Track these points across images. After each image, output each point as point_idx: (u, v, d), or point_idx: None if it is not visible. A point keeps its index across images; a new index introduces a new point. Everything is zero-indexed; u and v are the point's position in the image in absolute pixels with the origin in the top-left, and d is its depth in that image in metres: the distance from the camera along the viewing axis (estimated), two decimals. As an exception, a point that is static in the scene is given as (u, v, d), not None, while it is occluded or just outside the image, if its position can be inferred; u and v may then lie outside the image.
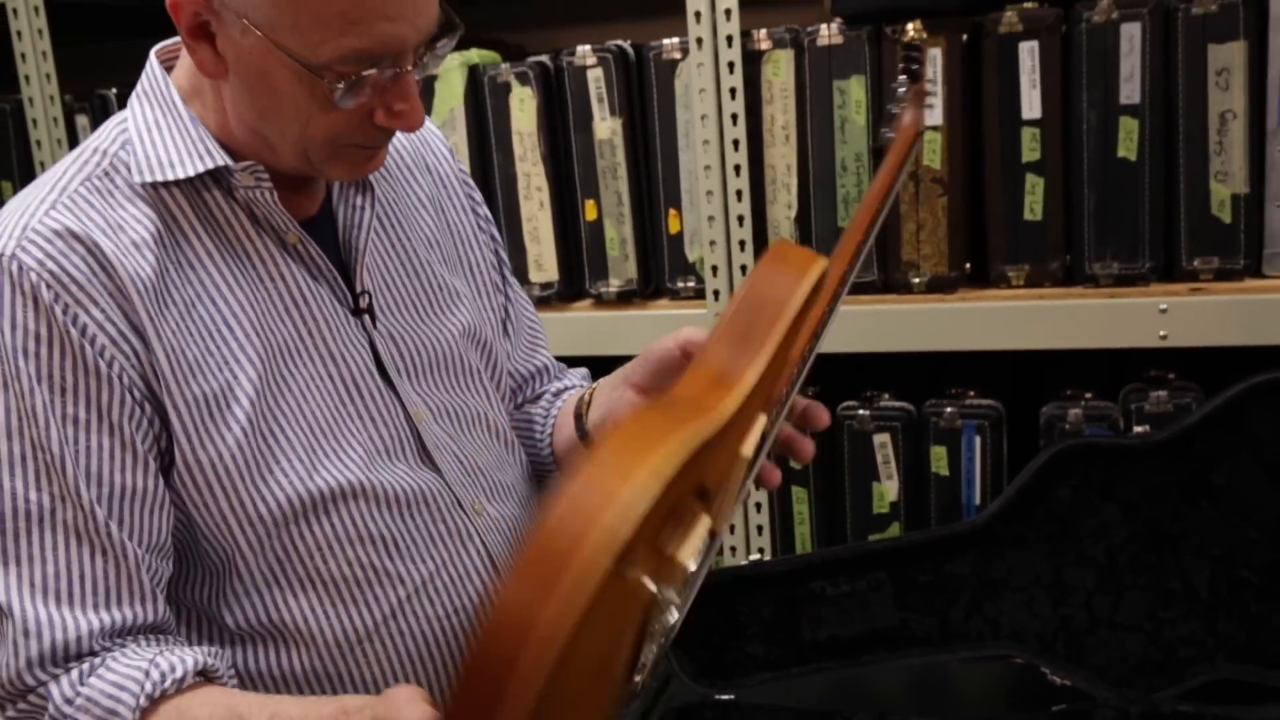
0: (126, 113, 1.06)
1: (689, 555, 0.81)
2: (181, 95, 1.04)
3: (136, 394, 0.98)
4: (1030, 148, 1.70)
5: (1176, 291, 1.65)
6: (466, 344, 1.21)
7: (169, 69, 1.08)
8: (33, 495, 0.96)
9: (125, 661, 0.97)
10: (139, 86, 1.07)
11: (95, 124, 2.16)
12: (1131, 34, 1.63)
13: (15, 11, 2.11)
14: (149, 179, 1.01)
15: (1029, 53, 1.68)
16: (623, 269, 1.90)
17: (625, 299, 1.92)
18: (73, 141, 2.16)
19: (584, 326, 1.90)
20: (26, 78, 2.15)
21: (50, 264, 0.95)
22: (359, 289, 1.11)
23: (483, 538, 1.16)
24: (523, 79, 1.87)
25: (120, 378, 0.97)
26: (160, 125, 1.03)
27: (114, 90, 2.17)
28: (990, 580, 1.63)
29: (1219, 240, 1.65)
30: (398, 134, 1.20)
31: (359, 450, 1.08)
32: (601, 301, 1.93)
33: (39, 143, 2.18)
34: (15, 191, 2.18)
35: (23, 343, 0.95)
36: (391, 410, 1.11)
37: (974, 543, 1.63)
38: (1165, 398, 1.69)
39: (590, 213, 1.90)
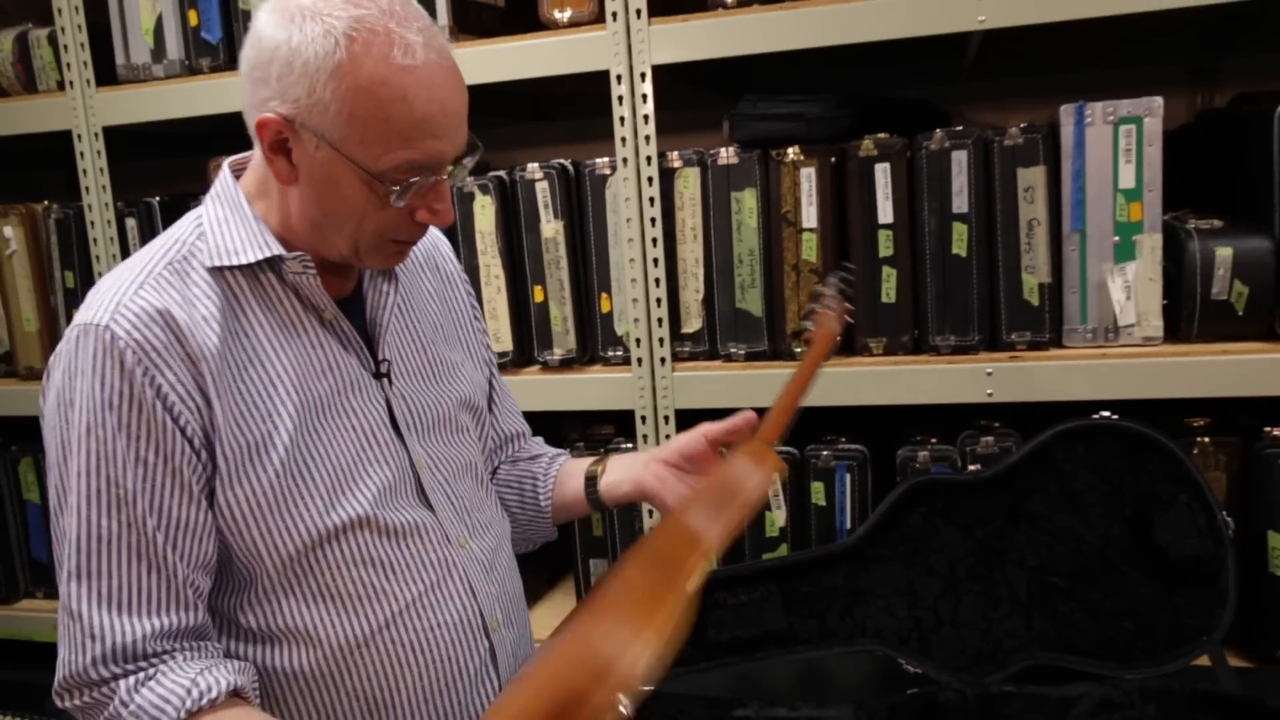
0: (201, 210, 1.08)
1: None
2: (247, 197, 1.07)
3: (196, 443, 0.99)
4: (885, 245, 1.73)
5: (999, 359, 1.68)
6: (461, 408, 1.22)
7: (238, 176, 1.11)
8: (104, 522, 0.97)
9: (172, 677, 0.98)
10: (213, 189, 1.09)
11: (142, 227, 2.17)
12: (960, 159, 1.67)
13: (80, 137, 2.13)
14: (217, 264, 1.03)
15: (883, 172, 1.71)
16: (565, 341, 1.91)
17: (566, 365, 1.91)
18: (123, 240, 2.17)
19: (534, 387, 1.89)
20: (87, 189, 2.16)
21: (136, 334, 0.97)
22: (380, 357, 1.13)
23: (464, 568, 1.16)
24: (484, 189, 1.88)
25: (184, 430, 0.98)
26: (229, 221, 1.05)
27: (157, 199, 2.17)
28: (858, 590, 1.64)
29: (1030, 319, 1.68)
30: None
31: (372, 490, 1.08)
32: (547, 367, 1.92)
33: (95, 240, 2.18)
34: (77, 281, 2.24)
35: (108, 398, 0.96)
36: (399, 458, 1.12)
37: (845, 560, 1.64)
38: (992, 442, 1.72)
39: (538, 296, 1.90)
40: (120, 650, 0.98)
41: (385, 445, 1.11)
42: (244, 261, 1.04)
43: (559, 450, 1.44)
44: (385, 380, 1.13)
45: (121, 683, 0.98)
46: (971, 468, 1.71)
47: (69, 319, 2.25)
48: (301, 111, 0.97)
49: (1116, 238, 1.64)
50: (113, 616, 0.98)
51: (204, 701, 0.97)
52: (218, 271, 1.04)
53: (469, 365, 1.27)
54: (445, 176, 1.03)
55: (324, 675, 1.08)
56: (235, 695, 1.00)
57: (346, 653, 1.08)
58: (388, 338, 1.14)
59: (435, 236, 1.32)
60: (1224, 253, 1.60)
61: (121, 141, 2.18)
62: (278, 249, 1.05)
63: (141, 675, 0.98)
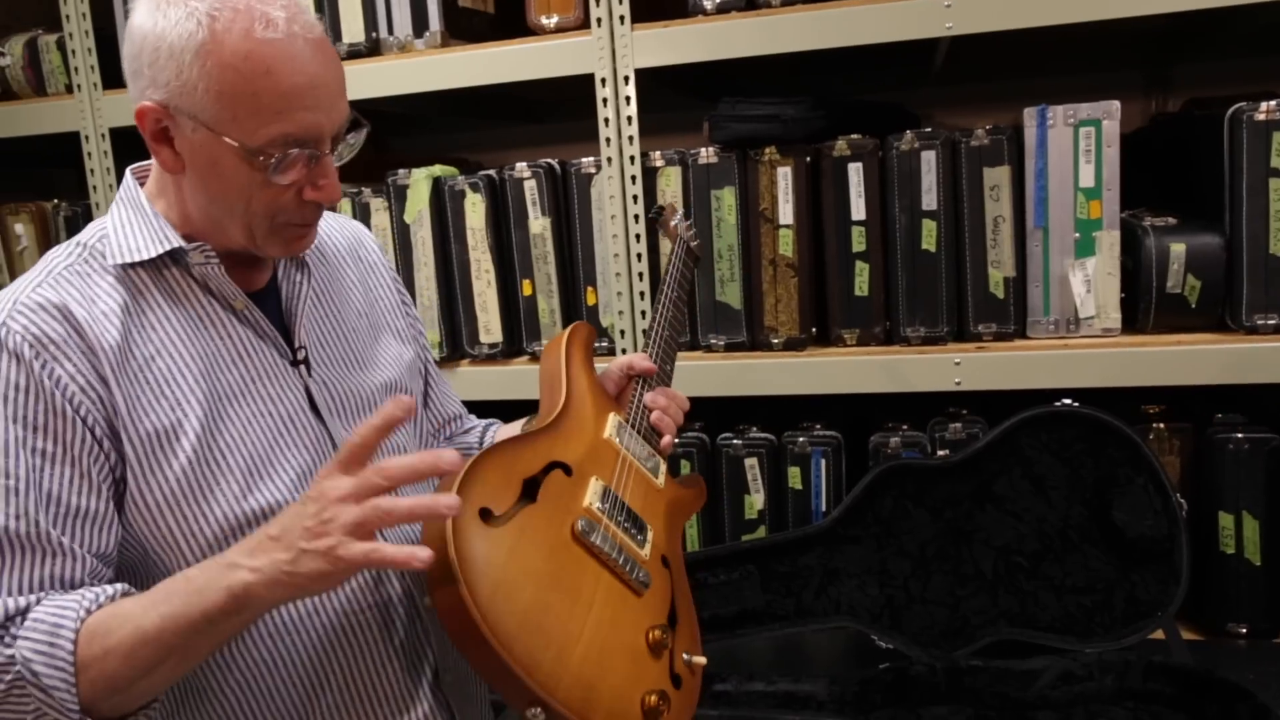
0: (107, 216, 1.05)
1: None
2: (148, 197, 1.03)
3: (98, 432, 0.93)
4: (858, 241, 1.72)
5: (966, 349, 1.67)
6: (386, 393, 1.15)
7: (142, 182, 1.07)
8: None
9: (59, 598, 0.90)
10: (117, 195, 1.05)
11: None
12: (929, 158, 1.66)
13: (87, 137, 2.10)
14: (120, 261, 0.99)
15: (856, 171, 1.70)
16: (552, 332, 1.88)
17: (540, 364, 1.88)
18: None
19: (522, 377, 1.87)
20: (94, 187, 2.14)
21: (33, 329, 0.92)
22: (297, 344, 1.07)
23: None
24: (475, 188, 1.86)
25: (85, 419, 0.93)
26: (131, 222, 1.01)
27: None
28: (833, 569, 1.64)
29: (996, 311, 1.67)
30: (335, 230, 1.20)
31: (291, 474, 1.02)
32: (535, 358, 1.90)
33: None
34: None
35: (3, 391, 0.91)
36: (321, 441, 1.06)
37: (820, 541, 1.64)
38: (960, 428, 1.71)
39: (527, 289, 1.89)
40: (3, 617, 0.90)
41: (305, 429, 1.05)
42: (146, 257, 0.99)
43: (491, 420, 1.40)
44: (304, 366, 1.07)
45: (4, 631, 0.89)
46: (940, 453, 1.69)
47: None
48: (174, 95, 0.93)
49: (1077, 234, 1.63)
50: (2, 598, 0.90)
51: (103, 599, 0.90)
52: (121, 270, 1.00)
53: (397, 350, 1.21)
54: (327, 152, 0.98)
55: (262, 661, 1.01)
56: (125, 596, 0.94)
57: (279, 637, 1.01)
58: (304, 324, 1.09)
59: (357, 229, 1.27)
60: (1178, 248, 1.59)
61: (128, 142, 2.13)
62: (178, 241, 1.00)
63: (20, 617, 0.90)
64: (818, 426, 1.81)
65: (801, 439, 1.79)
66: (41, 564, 0.91)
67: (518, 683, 0.88)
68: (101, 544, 0.95)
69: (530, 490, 1.03)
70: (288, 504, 0.97)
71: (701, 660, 1.08)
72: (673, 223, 1.50)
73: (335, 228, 1.22)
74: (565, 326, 1.87)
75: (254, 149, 0.94)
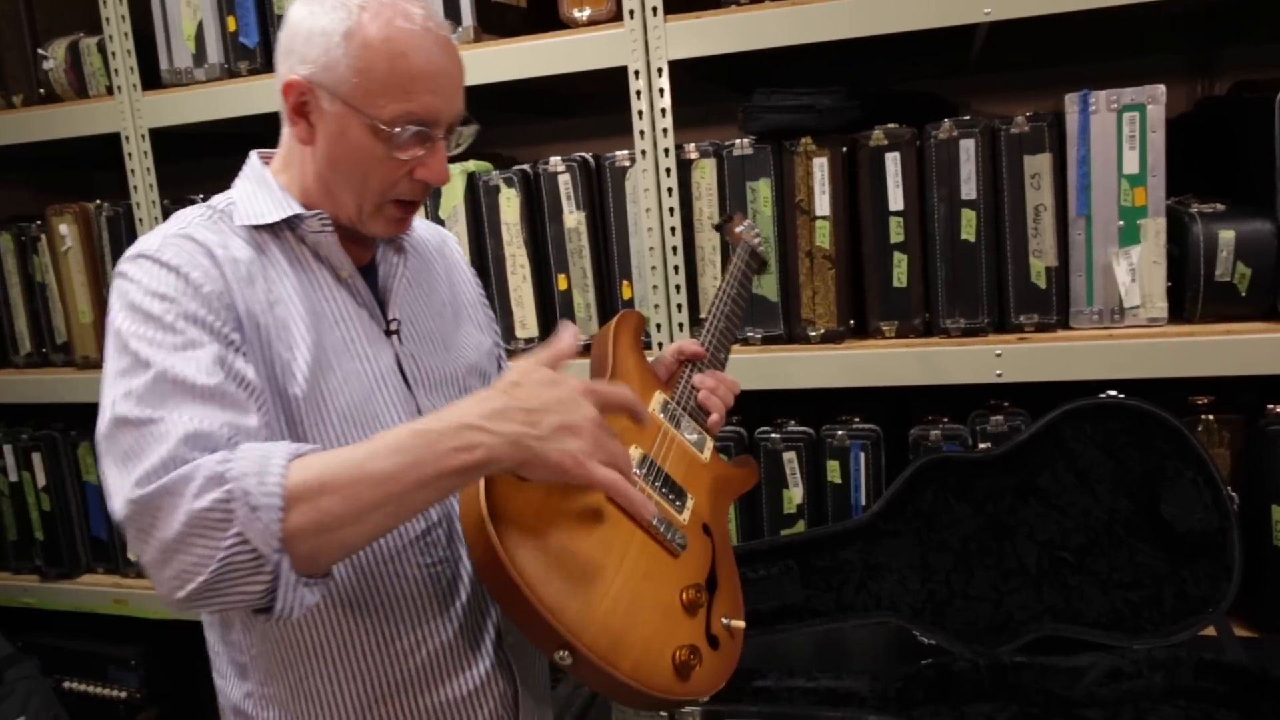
0: (233, 190, 1.14)
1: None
2: (272, 173, 1.13)
3: (238, 338, 1.00)
4: (896, 232, 1.70)
5: (1007, 340, 1.65)
6: (469, 374, 1.22)
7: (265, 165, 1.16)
8: (174, 369, 0.92)
9: (263, 445, 0.90)
10: (242, 173, 1.15)
11: None
12: (968, 147, 1.64)
13: (128, 138, 2.13)
14: (247, 223, 1.08)
15: (893, 161, 1.68)
16: (588, 327, 1.88)
17: (589, 350, 1.86)
18: None
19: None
20: (135, 188, 2.17)
21: (181, 255, 1.00)
22: (390, 317, 1.14)
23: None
24: (509, 182, 1.87)
25: (233, 326, 1.00)
26: (256, 192, 1.11)
27: (201, 196, 2.12)
28: (873, 564, 1.62)
29: (1037, 301, 1.64)
30: (426, 231, 1.29)
31: (380, 428, 1.07)
32: (571, 352, 1.93)
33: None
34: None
35: (163, 291, 0.98)
36: (407, 406, 1.11)
37: (860, 535, 1.63)
38: (1001, 421, 1.68)
39: (562, 284, 1.89)
40: (205, 432, 0.89)
41: (394, 391, 1.11)
42: (269, 220, 1.09)
43: None
44: (395, 337, 1.14)
45: (211, 455, 0.88)
46: (982, 446, 1.67)
47: (120, 311, 2.27)
48: (318, 70, 1.04)
49: (1121, 222, 1.60)
50: (187, 419, 0.89)
51: (304, 450, 0.90)
52: (247, 230, 1.09)
53: (477, 338, 1.28)
54: (441, 137, 1.08)
55: (353, 594, 1.05)
56: None
57: (374, 569, 1.06)
58: (397, 300, 1.16)
59: (444, 233, 1.36)
60: (1226, 235, 1.56)
61: (167, 142, 2.17)
62: (298, 208, 1.09)
63: (225, 449, 0.89)
64: (857, 420, 1.80)
65: (840, 432, 1.78)
66: (226, 411, 0.93)
67: (545, 625, 0.91)
68: (264, 414, 0.98)
69: None
70: None
71: (740, 624, 1.09)
72: (738, 229, 1.55)
73: (426, 229, 1.31)
74: (602, 320, 1.89)
75: (382, 121, 1.03)
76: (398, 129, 1.04)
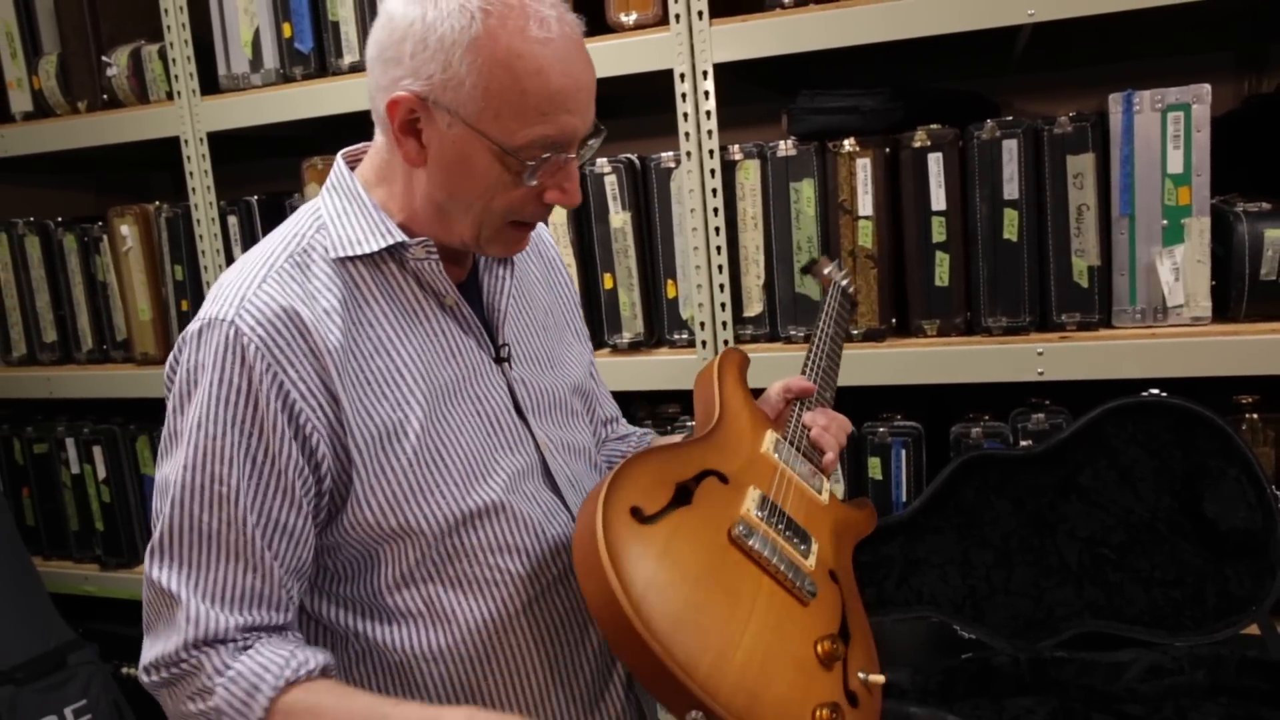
0: (318, 202, 1.02)
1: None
2: (365, 186, 1.00)
3: (314, 441, 0.92)
4: (938, 232, 1.71)
5: (1049, 339, 1.65)
6: (573, 393, 1.15)
7: (352, 168, 1.04)
8: (205, 517, 0.91)
9: (269, 650, 0.92)
10: (328, 182, 1.03)
11: (243, 224, 2.21)
12: (1010, 147, 1.64)
13: (186, 142, 2.18)
14: (340, 254, 0.97)
15: (936, 161, 1.69)
16: (633, 325, 1.91)
17: (635, 348, 1.92)
18: (226, 237, 2.21)
19: (604, 369, 1.77)
20: (193, 189, 2.21)
21: (260, 330, 0.91)
22: (500, 341, 1.06)
23: None
24: None
25: (304, 427, 0.91)
26: (348, 212, 0.99)
27: (256, 198, 2.20)
28: (914, 559, 1.63)
29: (1080, 300, 1.64)
30: None
31: (503, 474, 1.02)
32: (617, 350, 1.93)
33: (201, 236, 2.22)
34: (185, 274, 2.29)
35: (226, 393, 0.90)
36: (525, 442, 1.05)
37: (901, 531, 1.64)
38: (1043, 419, 1.69)
39: (608, 283, 1.90)
40: (212, 635, 0.92)
41: (511, 429, 1.04)
42: (366, 251, 0.97)
43: (645, 429, 1.40)
44: (506, 364, 1.06)
45: (214, 654, 0.92)
46: (1023, 443, 1.67)
47: (179, 310, 2.35)
48: (436, 88, 0.91)
49: (1165, 221, 1.60)
50: (208, 606, 0.91)
51: (302, 672, 0.91)
52: (339, 263, 0.98)
53: (577, 350, 1.21)
54: (574, 155, 0.96)
55: (466, 657, 1.02)
56: (324, 675, 0.95)
57: (489, 634, 1.02)
58: (506, 323, 1.07)
59: (539, 226, 1.26)
60: (1273, 234, 1.55)
61: (224, 145, 2.22)
62: (400, 236, 0.98)
63: (233, 647, 0.92)
64: (898, 417, 1.81)
65: (882, 429, 1.79)
66: (243, 574, 0.92)
67: (675, 683, 0.85)
68: (297, 561, 0.96)
69: (684, 494, 1.00)
70: (503, 504, 1.01)
71: (880, 678, 1.01)
72: (825, 271, 1.54)
73: None
74: (646, 320, 1.92)
75: (513, 149, 0.92)
76: (532, 158, 0.92)
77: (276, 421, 0.91)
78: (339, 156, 1.06)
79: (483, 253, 1.03)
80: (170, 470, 0.93)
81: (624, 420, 1.41)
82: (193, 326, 0.94)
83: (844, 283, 1.52)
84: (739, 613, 0.92)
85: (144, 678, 0.95)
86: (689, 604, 0.89)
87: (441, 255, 1.01)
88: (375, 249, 0.98)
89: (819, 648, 0.96)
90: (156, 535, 0.94)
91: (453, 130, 0.92)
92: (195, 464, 0.90)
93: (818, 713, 0.90)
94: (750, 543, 0.98)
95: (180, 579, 0.92)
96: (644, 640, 0.84)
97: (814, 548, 1.07)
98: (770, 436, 1.18)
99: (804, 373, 1.31)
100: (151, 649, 0.94)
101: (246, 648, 0.93)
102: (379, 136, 1.01)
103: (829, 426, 1.23)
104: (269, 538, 0.93)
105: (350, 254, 0.98)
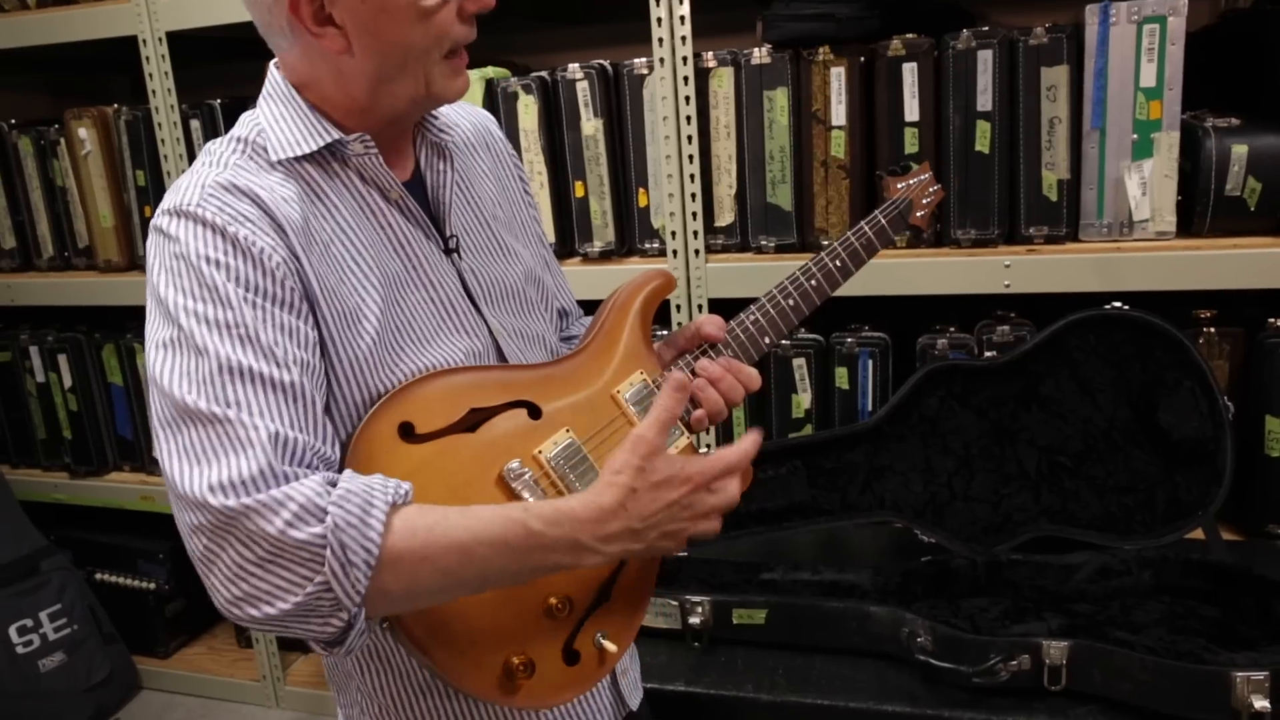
0: (256, 111, 1.03)
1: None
2: (297, 90, 1.01)
3: (298, 296, 0.92)
4: (911, 143, 1.71)
5: (1017, 252, 1.67)
6: (527, 282, 1.15)
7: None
8: (236, 355, 0.87)
9: (362, 478, 0.87)
10: (264, 91, 1.03)
11: (205, 128, 2.18)
12: (985, 58, 1.64)
13: (145, 42, 2.12)
14: (283, 156, 0.98)
15: (910, 71, 1.68)
16: (604, 234, 1.91)
17: (605, 256, 1.92)
18: (189, 141, 2.17)
19: (574, 278, 1.79)
20: (153, 92, 2.17)
21: (227, 209, 0.91)
22: (448, 233, 1.07)
23: None
24: (527, 89, 1.87)
25: (287, 282, 0.92)
26: (285, 117, 1.00)
27: (219, 101, 2.17)
28: (878, 466, 1.66)
29: (1048, 214, 1.66)
30: (465, 118, 1.19)
31: (459, 358, 1.02)
32: (587, 258, 1.93)
33: (162, 141, 2.19)
34: (148, 179, 2.25)
35: (215, 257, 0.89)
36: (479, 328, 1.06)
37: (866, 439, 1.66)
38: (1008, 331, 1.71)
39: (579, 191, 1.90)
40: (293, 452, 0.86)
41: (464, 315, 1.05)
42: (306, 151, 0.98)
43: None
44: (455, 255, 1.07)
45: (306, 473, 0.85)
46: (987, 354, 1.67)
47: (142, 215, 2.31)
48: None
49: (1135, 135, 1.61)
50: (277, 425, 0.86)
51: (403, 490, 0.87)
52: (284, 163, 0.99)
53: (526, 239, 1.20)
54: None
55: None
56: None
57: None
58: (452, 215, 1.08)
59: (484, 116, 1.25)
60: (1239, 150, 1.57)
61: (184, 46, 2.16)
62: (336, 134, 0.99)
63: (325, 473, 0.86)
64: (865, 328, 1.83)
65: (849, 340, 1.81)
66: (290, 405, 0.89)
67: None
68: (324, 401, 0.93)
69: (474, 421, 0.98)
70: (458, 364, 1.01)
71: (613, 647, 1.00)
72: (901, 185, 1.34)
73: (466, 117, 1.19)
74: (617, 227, 1.91)
75: None
76: None
77: (271, 271, 0.91)
78: (271, 65, 1.05)
79: (441, 99, 1.02)
80: (168, 333, 0.90)
81: (582, 317, 1.38)
82: (158, 219, 0.94)
83: (928, 203, 1.34)
84: None
85: (194, 513, 0.83)
86: None
87: (382, 151, 1.02)
88: (314, 148, 0.99)
89: (551, 600, 0.96)
90: (178, 394, 0.87)
91: None
92: (210, 318, 0.88)
93: (513, 659, 0.93)
94: (515, 485, 0.96)
95: (233, 414, 0.85)
96: None
97: None
98: (636, 377, 1.10)
99: (755, 305, 1.23)
100: (211, 471, 0.84)
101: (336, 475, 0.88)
102: (288, 52, 1.01)
103: (720, 380, 1.14)
104: (298, 370, 0.90)
105: (292, 155, 0.99)
